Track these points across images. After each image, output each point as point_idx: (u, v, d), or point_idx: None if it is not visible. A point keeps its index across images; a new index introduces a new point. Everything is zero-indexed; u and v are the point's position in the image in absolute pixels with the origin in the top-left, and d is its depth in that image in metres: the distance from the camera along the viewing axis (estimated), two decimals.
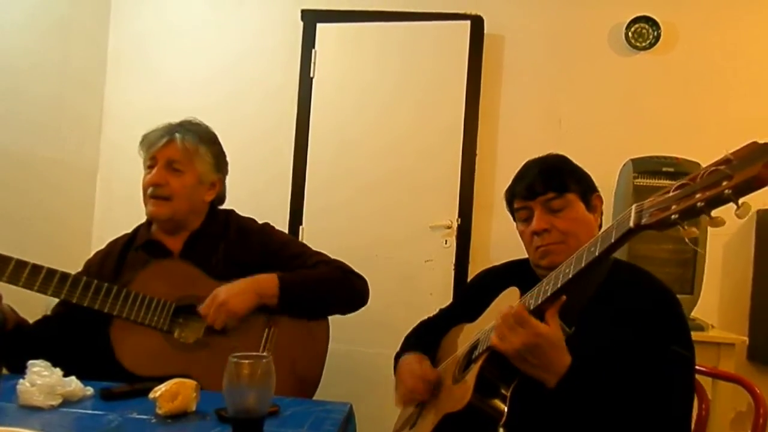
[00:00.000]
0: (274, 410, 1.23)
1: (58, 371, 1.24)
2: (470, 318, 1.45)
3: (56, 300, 1.54)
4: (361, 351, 2.58)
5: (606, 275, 1.29)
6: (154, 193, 1.57)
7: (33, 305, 1.61)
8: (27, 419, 1.12)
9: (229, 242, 1.64)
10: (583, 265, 1.03)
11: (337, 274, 1.65)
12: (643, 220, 0.92)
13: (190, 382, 1.21)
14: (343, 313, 1.68)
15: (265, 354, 1.03)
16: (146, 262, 1.58)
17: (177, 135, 1.60)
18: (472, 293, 1.55)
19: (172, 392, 1.18)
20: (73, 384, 1.24)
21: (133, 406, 1.22)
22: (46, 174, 2.71)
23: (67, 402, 1.21)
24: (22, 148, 2.56)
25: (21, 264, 1.40)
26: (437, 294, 2.77)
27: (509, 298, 1.27)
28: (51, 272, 1.42)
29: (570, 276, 1.05)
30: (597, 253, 1.00)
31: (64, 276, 1.43)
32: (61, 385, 1.21)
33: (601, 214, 1.39)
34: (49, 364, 1.24)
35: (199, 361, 1.47)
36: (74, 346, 1.51)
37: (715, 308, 2.77)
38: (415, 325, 1.67)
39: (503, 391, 1.17)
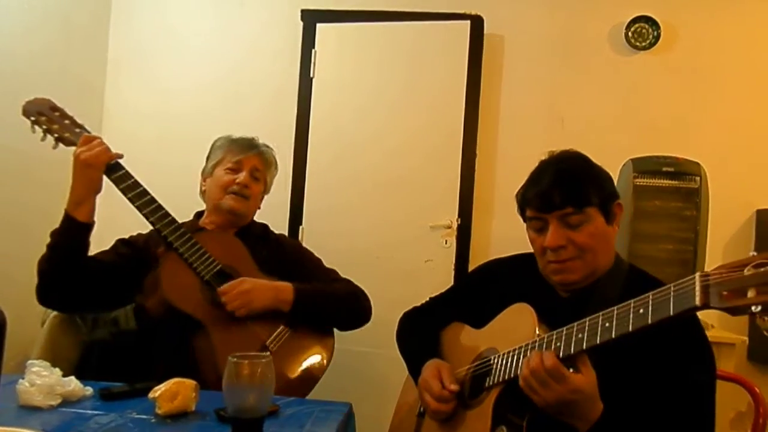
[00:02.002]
0: (274, 410, 1.23)
1: (58, 371, 1.24)
2: (470, 310, 1.40)
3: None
4: (361, 351, 2.58)
5: (621, 289, 1.20)
6: (239, 191, 1.78)
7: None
8: (26, 419, 1.12)
9: (269, 248, 1.83)
10: (630, 329, 0.93)
11: (346, 293, 1.82)
12: (712, 301, 0.81)
13: (190, 382, 1.21)
14: (346, 329, 1.82)
15: (264, 354, 1.03)
16: None
17: (265, 150, 1.87)
18: (475, 286, 1.49)
19: (172, 392, 1.18)
20: (73, 384, 1.24)
21: (133, 406, 1.22)
22: (46, 177, 2.70)
23: (67, 402, 1.21)
24: (22, 150, 2.55)
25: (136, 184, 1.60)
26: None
27: (522, 318, 1.19)
28: (145, 192, 1.60)
29: (612, 336, 0.96)
30: (649, 322, 0.90)
31: (153, 200, 1.61)
32: (60, 385, 1.21)
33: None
34: (48, 364, 1.25)
35: (220, 320, 1.57)
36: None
37: None
38: (400, 318, 1.62)
39: (518, 424, 1.11)
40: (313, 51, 3.01)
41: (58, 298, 1.60)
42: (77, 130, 1.62)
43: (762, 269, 0.77)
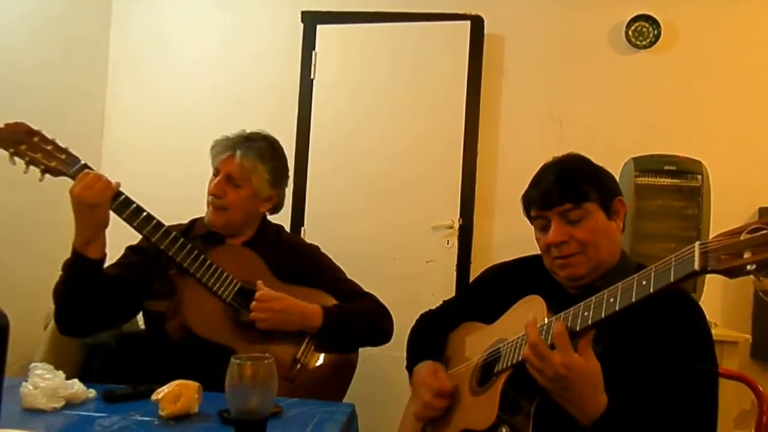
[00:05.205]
0: (277, 411, 1.23)
1: (61, 374, 1.24)
2: (479, 315, 1.42)
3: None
4: (363, 352, 2.58)
5: None
6: (213, 202, 1.66)
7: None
8: (30, 422, 1.12)
9: (281, 255, 1.73)
10: (633, 300, 0.95)
11: (371, 315, 1.74)
12: (710, 264, 0.84)
13: (193, 384, 1.21)
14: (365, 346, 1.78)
15: (267, 355, 1.03)
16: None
17: (238, 152, 1.65)
18: (482, 291, 1.52)
19: (175, 394, 1.18)
20: (76, 386, 1.24)
21: (136, 408, 1.23)
22: (47, 183, 2.71)
23: (70, 404, 1.21)
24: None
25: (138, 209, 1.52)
26: (439, 294, 2.73)
27: (532, 308, 1.21)
28: (150, 217, 1.53)
29: (616, 308, 0.98)
30: (651, 290, 0.93)
31: (160, 224, 1.54)
32: (63, 387, 1.21)
33: (625, 215, 1.32)
34: (51, 367, 1.25)
35: (249, 341, 1.54)
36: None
37: (718, 306, 2.76)
38: (417, 318, 1.65)
39: (527, 409, 1.12)
40: (313, 53, 3.01)
41: (80, 326, 1.57)
42: (63, 156, 1.48)
43: (757, 233, 0.80)
